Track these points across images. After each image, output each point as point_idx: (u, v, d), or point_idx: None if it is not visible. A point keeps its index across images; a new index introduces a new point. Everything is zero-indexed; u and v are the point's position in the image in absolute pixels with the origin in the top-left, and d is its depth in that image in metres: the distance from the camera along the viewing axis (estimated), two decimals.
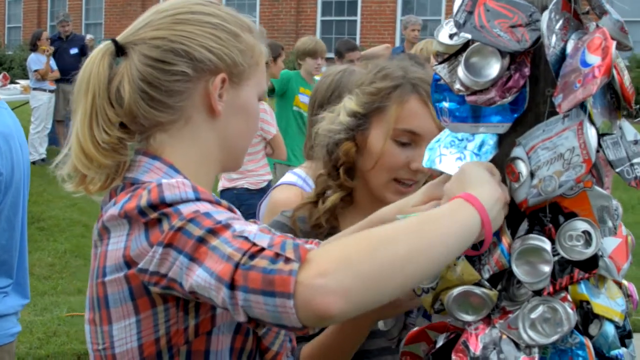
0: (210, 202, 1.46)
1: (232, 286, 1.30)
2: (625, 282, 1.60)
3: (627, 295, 1.60)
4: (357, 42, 17.86)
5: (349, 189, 2.08)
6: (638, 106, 1.56)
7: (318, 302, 1.24)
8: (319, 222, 2.05)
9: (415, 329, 1.71)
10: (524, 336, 1.51)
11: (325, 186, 2.09)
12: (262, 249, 1.31)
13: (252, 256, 1.30)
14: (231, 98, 1.61)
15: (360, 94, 2.04)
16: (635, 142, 1.53)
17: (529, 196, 1.50)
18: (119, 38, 1.62)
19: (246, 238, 1.34)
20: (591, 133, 1.43)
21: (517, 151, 1.52)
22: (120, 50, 1.60)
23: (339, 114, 2.06)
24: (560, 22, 1.47)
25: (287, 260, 1.28)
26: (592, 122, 1.45)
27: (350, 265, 1.27)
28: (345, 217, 2.08)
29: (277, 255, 1.29)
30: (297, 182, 2.87)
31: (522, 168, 1.50)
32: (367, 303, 1.30)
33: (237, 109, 1.62)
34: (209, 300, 1.37)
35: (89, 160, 1.57)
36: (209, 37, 1.58)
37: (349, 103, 2.05)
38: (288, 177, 2.95)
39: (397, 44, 17.08)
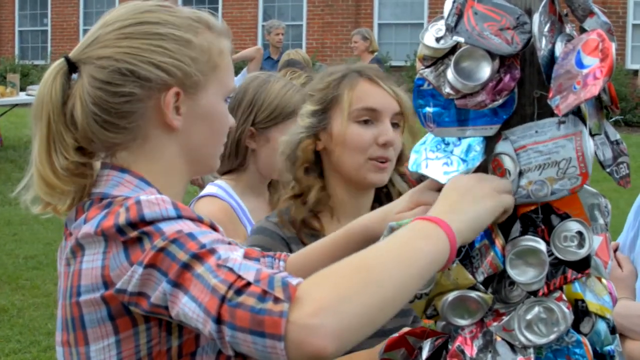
0: (192, 219, 1.41)
1: (218, 321, 1.26)
2: (605, 280, 1.63)
3: (609, 293, 1.63)
4: None
5: (321, 188, 2.13)
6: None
7: (311, 342, 1.22)
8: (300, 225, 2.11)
9: (395, 335, 1.69)
10: (521, 337, 1.51)
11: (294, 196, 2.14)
12: (248, 284, 1.27)
13: (239, 291, 1.26)
14: (190, 108, 1.54)
15: (312, 95, 2.14)
16: (617, 143, 1.57)
17: (516, 195, 1.51)
18: (71, 55, 1.54)
19: (231, 269, 1.30)
20: (590, 145, 1.45)
21: (504, 146, 1.52)
22: (73, 69, 1.53)
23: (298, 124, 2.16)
24: (548, 24, 1.49)
25: (276, 299, 1.24)
26: (590, 132, 1.47)
27: (342, 305, 1.24)
28: (325, 216, 2.15)
29: (265, 292, 1.26)
30: (218, 194, 2.80)
31: (510, 165, 1.51)
32: (358, 339, 1.28)
33: (199, 117, 1.56)
34: (194, 329, 1.33)
35: (51, 188, 1.51)
36: (156, 50, 1.51)
37: (305, 108, 2.14)
38: (209, 188, 2.87)
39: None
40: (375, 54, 10.10)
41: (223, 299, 1.26)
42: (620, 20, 17.24)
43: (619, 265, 2.15)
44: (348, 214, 2.08)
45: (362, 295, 1.25)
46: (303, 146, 2.10)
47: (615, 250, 2.21)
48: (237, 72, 9.21)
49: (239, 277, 1.28)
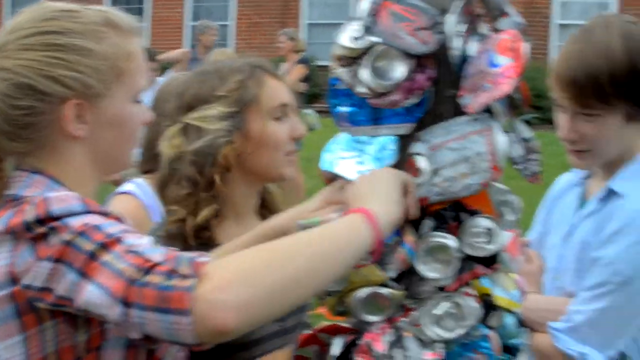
0: (99, 213, 1.42)
1: (126, 303, 1.28)
2: (514, 274, 1.67)
3: (517, 287, 1.67)
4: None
5: (219, 198, 2.03)
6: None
7: (215, 316, 1.24)
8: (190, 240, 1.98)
9: (306, 332, 1.71)
10: (429, 332, 1.54)
11: (193, 207, 1.99)
12: (156, 265, 1.30)
13: (146, 272, 1.29)
14: (95, 116, 1.53)
15: (223, 96, 2.01)
16: (528, 140, 1.61)
17: (430, 194, 1.53)
18: None
19: (138, 253, 1.32)
20: (501, 140, 1.49)
21: (419, 147, 1.54)
22: None
23: (199, 130, 1.98)
24: (462, 24, 1.52)
25: (184, 276, 1.27)
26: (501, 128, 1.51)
27: (248, 279, 1.26)
28: (222, 227, 2.04)
29: (172, 271, 1.28)
30: (133, 191, 2.77)
31: (424, 165, 1.53)
32: (263, 317, 1.31)
33: (105, 124, 1.55)
34: (100, 317, 1.33)
35: None
36: (55, 64, 1.49)
37: (214, 111, 2.00)
38: (126, 186, 2.84)
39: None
40: (302, 54, 10.12)
41: (130, 281, 1.28)
42: (544, 20, 17.61)
43: (529, 260, 2.20)
44: (245, 212, 2.07)
45: (268, 273, 1.28)
46: (226, 152, 1.98)
47: (526, 246, 2.26)
48: (162, 72, 9.14)
49: (147, 259, 1.30)
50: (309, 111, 8.09)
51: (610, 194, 2.02)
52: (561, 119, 2.01)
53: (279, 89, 2.07)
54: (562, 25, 17.53)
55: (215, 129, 1.98)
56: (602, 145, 2.00)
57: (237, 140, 1.99)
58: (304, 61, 9.83)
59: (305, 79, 9.75)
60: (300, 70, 9.69)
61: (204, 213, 1.98)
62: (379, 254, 1.48)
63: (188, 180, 1.97)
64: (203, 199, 1.98)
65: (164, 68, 9.78)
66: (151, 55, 7.71)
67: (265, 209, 2.14)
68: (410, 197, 1.52)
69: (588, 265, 2.00)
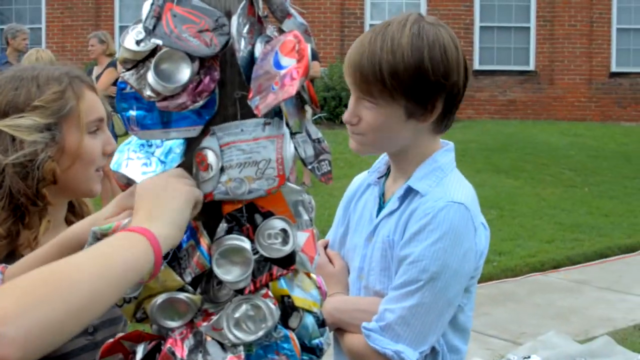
0: None
1: None
2: (314, 275, 1.68)
3: (317, 287, 1.69)
4: None
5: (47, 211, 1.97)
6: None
7: None
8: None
9: (110, 340, 1.66)
10: (230, 336, 1.53)
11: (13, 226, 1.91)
12: None
13: None
14: None
15: (40, 106, 1.92)
16: (319, 141, 1.62)
17: (215, 191, 1.52)
18: None
19: None
20: (290, 149, 1.50)
21: (210, 141, 1.52)
22: None
23: (12, 138, 1.89)
24: (247, 26, 1.51)
25: None
26: (290, 131, 1.51)
27: (28, 311, 1.20)
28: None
29: None
30: None
31: (213, 160, 1.52)
32: (46, 348, 1.24)
33: None
34: None
35: None
36: None
37: (29, 121, 1.90)
38: None
39: None
40: (114, 57, 9.88)
41: None
42: (358, 20, 18.08)
43: (331, 261, 2.22)
44: (56, 223, 2.00)
45: (46, 304, 1.22)
46: (50, 168, 1.90)
47: (326, 247, 2.28)
48: None
49: None
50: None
51: (410, 192, 2.06)
52: (349, 102, 2.06)
53: (96, 102, 2.01)
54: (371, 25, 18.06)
55: (31, 140, 1.89)
56: (378, 133, 2.03)
57: (54, 152, 1.91)
58: (114, 64, 9.60)
59: (116, 82, 9.50)
60: (111, 74, 9.46)
61: (41, 228, 1.93)
62: (155, 275, 1.44)
63: (9, 191, 1.89)
64: (32, 212, 1.92)
65: None
66: None
67: (76, 216, 2.08)
68: (196, 210, 1.51)
69: (394, 264, 2.03)
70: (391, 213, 2.09)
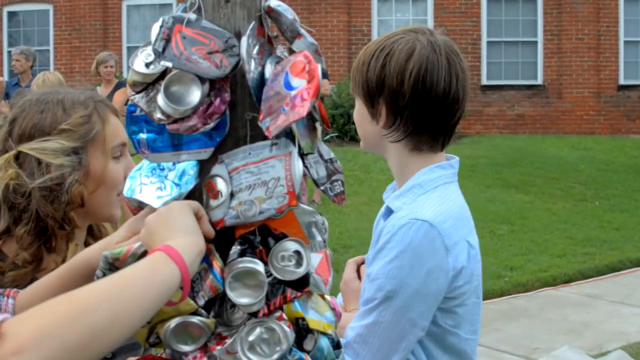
0: None
1: None
2: (328, 296, 1.66)
3: (331, 309, 1.67)
4: None
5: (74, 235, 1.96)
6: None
7: None
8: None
9: None
10: (244, 359, 1.51)
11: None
12: None
13: None
14: None
15: (67, 130, 1.91)
16: (331, 161, 1.61)
17: (226, 216, 1.51)
18: None
19: None
20: (298, 166, 1.48)
21: (219, 168, 1.52)
22: None
23: (38, 162, 1.87)
24: (257, 47, 1.51)
25: None
26: (300, 154, 1.50)
27: (47, 340, 1.19)
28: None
29: None
30: None
31: (222, 187, 1.51)
32: None
33: None
34: None
35: None
36: None
37: (55, 144, 1.89)
38: None
39: (6, 76, 16.35)
40: (123, 78, 9.94)
41: None
42: (365, 37, 18.10)
43: (359, 277, 2.21)
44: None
45: (65, 330, 1.20)
46: (78, 191, 1.89)
47: (362, 264, 2.27)
48: None
49: None
50: None
51: (389, 210, 2.03)
52: None
53: (120, 128, 2.00)
54: None
55: (58, 163, 1.88)
56: (358, 128, 2.12)
57: (80, 177, 1.91)
58: (123, 85, 9.64)
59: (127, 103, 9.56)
60: (123, 95, 9.50)
61: (69, 252, 1.91)
62: (189, 287, 1.43)
63: (35, 215, 1.87)
64: (59, 236, 1.91)
65: None
66: None
67: (95, 239, 2.07)
68: (203, 222, 1.50)
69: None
70: (375, 231, 2.09)
